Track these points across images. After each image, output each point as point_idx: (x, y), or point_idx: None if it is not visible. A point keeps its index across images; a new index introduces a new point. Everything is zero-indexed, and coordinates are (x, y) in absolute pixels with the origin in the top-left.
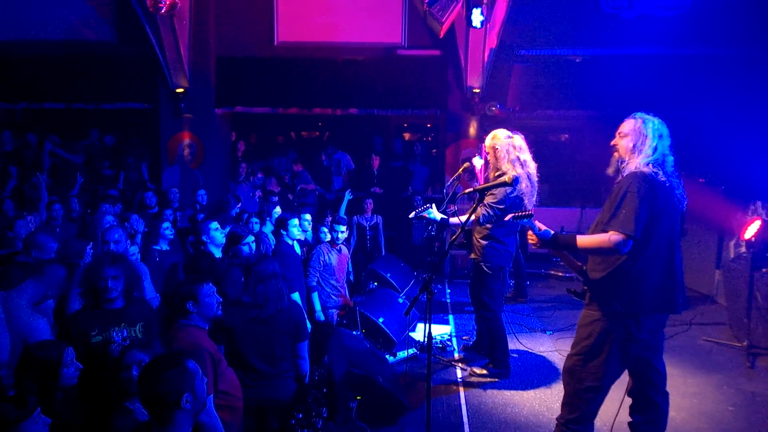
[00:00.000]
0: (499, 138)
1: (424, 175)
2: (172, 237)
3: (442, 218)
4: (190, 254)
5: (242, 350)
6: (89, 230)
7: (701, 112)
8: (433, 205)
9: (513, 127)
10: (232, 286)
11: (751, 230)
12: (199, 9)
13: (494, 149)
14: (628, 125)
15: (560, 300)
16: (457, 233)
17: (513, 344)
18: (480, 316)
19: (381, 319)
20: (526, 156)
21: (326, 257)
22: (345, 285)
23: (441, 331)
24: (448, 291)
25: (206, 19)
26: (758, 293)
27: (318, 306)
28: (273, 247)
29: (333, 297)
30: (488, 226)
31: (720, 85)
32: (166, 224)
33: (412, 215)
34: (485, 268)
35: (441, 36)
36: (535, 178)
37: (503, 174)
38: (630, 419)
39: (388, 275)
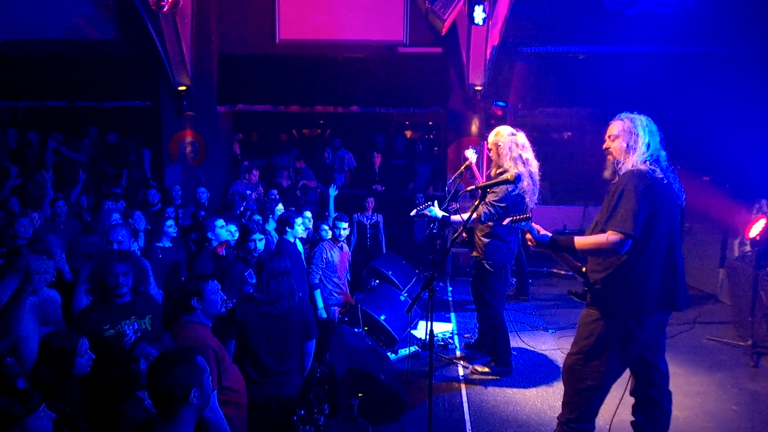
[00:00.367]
0: (502, 135)
1: (426, 173)
2: (175, 234)
3: (443, 216)
4: (192, 251)
5: (253, 346)
6: (93, 227)
7: (705, 110)
8: (435, 203)
9: (515, 125)
10: (231, 281)
11: (756, 229)
12: (201, 7)
13: (497, 146)
14: (616, 127)
15: (562, 298)
16: (459, 231)
17: (515, 342)
18: (482, 314)
19: (383, 317)
20: (529, 154)
21: (328, 255)
22: (346, 282)
23: (443, 328)
24: (450, 289)
25: (208, 17)
26: (762, 292)
27: (320, 303)
28: (275, 244)
29: (335, 294)
30: (490, 224)
31: (723, 83)
32: (169, 222)
33: (413, 213)
34: (487, 266)
35: (443, 33)
36: (537, 177)
37: (505, 171)
38: (633, 419)
39: (390, 273)
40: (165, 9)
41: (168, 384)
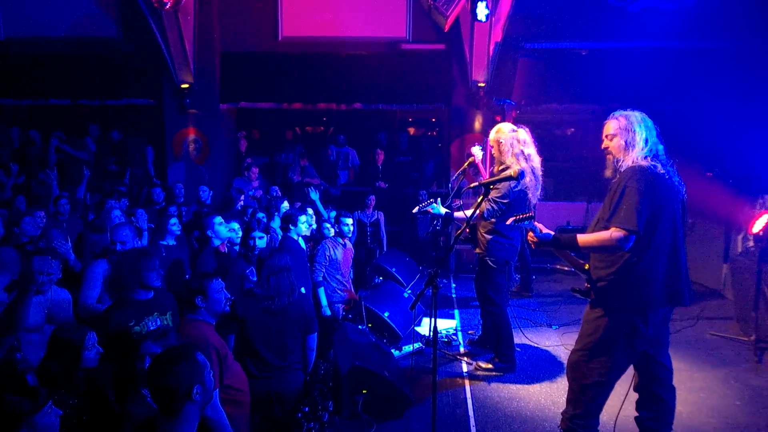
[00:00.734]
0: (503, 132)
1: (430, 170)
2: (179, 232)
3: (446, 212)
4: (195, 249)
5: (253, 341)
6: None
7: (708, 105)
8: (438, 200)
9: (519, 121)
10: (232, 278)
11: (759, 224)
12: (204, 4)
13: (498, 143)
14: (612, 126)
15: (566, 295)
16: (462, 228)
17: (519, 339)
18: (485, 310)
19: (386, 314)
20: (531, 150)
21: (331, 252)
22: (350, 279)
23: (446, 325)
24: (454, 285)
25: (210, 14)
26: (766, 287)
27: (324, 301)
28: (278, 241)
29: (338, 291)
30: (492, 220)
31: (726, 78)
32: (173, 220)
33: (415, 210)
34: (490, 263)
35: (446, 30)
36: (539, 172)
37: (507, 168)
38: (637, 414)
39: (394, 270)
40: (167, 6)
41: (170, 382)
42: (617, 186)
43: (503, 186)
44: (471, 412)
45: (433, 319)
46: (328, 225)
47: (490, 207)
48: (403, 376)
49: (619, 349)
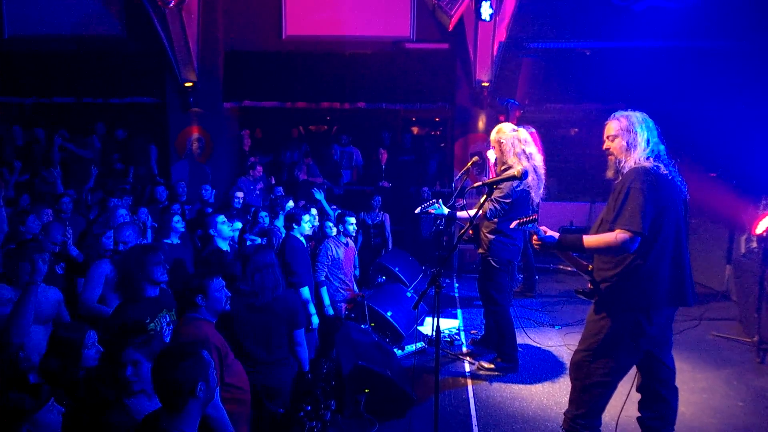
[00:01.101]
0: (504, 132)
1: (432, 170)
2: (182, 230)
3: (449, 212)
4: (198, 248)
5: (239, 337)
6: (102, 224)
7: (712, 105)
8: (440, 200)
9: (522, 121)
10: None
11: (763, 225)
12: (207, 3)
13: (499, 143)
14: (613, 126)
15: (569, 295)
16: (466, 228)
17: (521, 339)
18: (488, 310)
19: (389, 313)
20: (532, 149)
21: (334, 252)
22: (353, 279)
23: (449, 325)
24: (457, 285)
25: (214, 13)
26: None
27: (327, 300)
28: (281, 240)
29: (341, 291)
30: (495, 220)
31: (731, 78)
32: (176, 218)
33: (418, 210)
34: (493, 263)
35: (450, 29)
36: (541, 171)
37: (509, 168)
38: (639, 414)
39: (397, 269)
40: (171, 5)
41: (175, 378)
42: (621, 187)
43: (506, 186)
44: (473, 412)
45: (435, 319)
46: (331, 224)
47: (492, 207)
48: (406, 375)
49: (623, 349)
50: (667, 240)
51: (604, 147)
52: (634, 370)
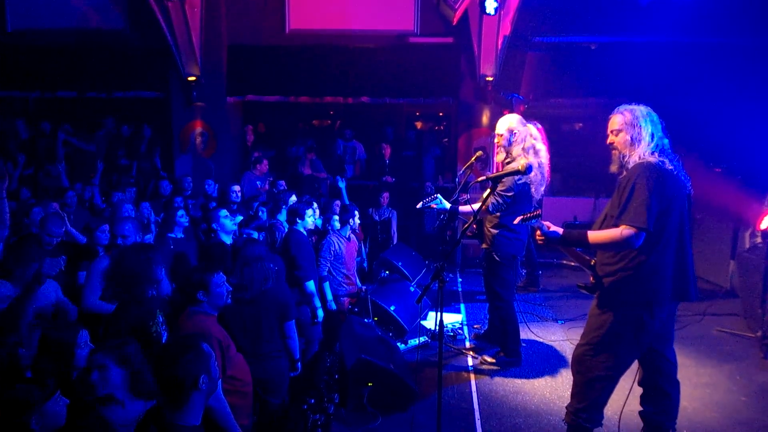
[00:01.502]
0: (515, 123)
1: (430, 164)
2: (186, 224)
3: (451, 207)
4: (202, 242)
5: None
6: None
7: (718, 101)
8: (439, 195)
9: (526, 116)
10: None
11: (767, 220)
12: None
13: (511, 132)
14: (617, 121)
15: (572, 289)
16: (469, 222)
17: (524, 333)
18: (492, 305)
19: (392, 307)
20: (541, 145)
21: (337, 247)
22: (356, 273)
23: (452, 319)
24: (460, 280)
25: (218, 7)
26: None
27: (330, 295)
28: (284, 234)
29: (344, 285)
30: (498, 214)
31: (737, 74)
32: (181, 212)
33: (419, 205)
34: (496, 258)
35: (454, 23)
36: (546, 168)
37: (513, 161)
38: (641, 408)
39: (400, 264)
40: None
41: (177, 372)
42: (626, 182)
43: (508, 180)
44: (476, 406)
45: (438, 313)
46: (336, 217)
47: (495, 201)
48: (409, 369)
49: (625, 343)
50: (671, 235)
51: (608, 141)
52: (635, 364)
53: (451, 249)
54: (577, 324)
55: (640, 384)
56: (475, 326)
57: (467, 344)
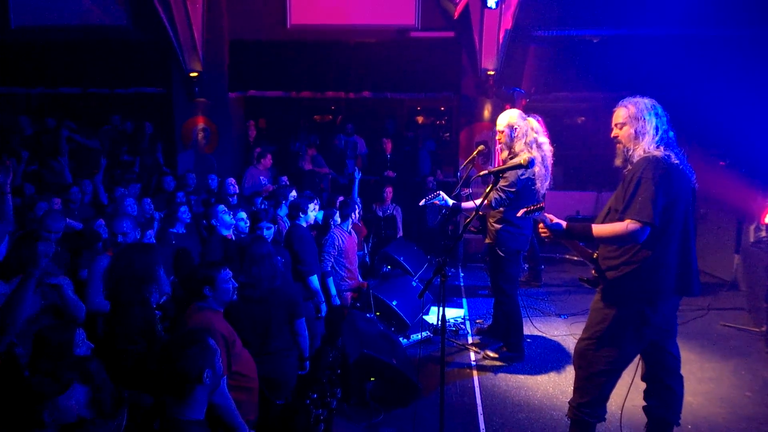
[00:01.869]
0: (516, 118)
1: (425, 159)
2: (188, 220)
3: (453, 203)
4: (204, 237)
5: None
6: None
7: (723, 94)
8: (441, 192)
9: (528, 110)
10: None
11: None
12: None
13: (512, 128)
14: (621, 114)
15: (575, 284)
16: (471, 217)
17: (527, 328)
18: (497, 300)
19: (394, 302)
20: (543, 138)
21: (340, 242)
22: (357, 268)
23: (454, 314)
24: (462, 275)
25: (219, 2)
26: None
27: (333, 290)
28: (287, 230)
29: (346, 280)
30: (501, 209)
31: (741, 66)
32: (183, 208)
33: (422, 202)
34: (500, 253)
35: (455, 17)
36: (549, 161)
37: (516, 155)
38: (645, 403)
39: (402, 259)
40: None
41: (182, 366)
42: (631, 176)
43: (511, 174)
44: (479, 401)
45: (441, 308)
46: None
47: (497, 196)
48: (411, 364)
49: (628, 337)
50: (676, 230)
51: (612, 135)
52: (637, 358)
53: (453, 244)
54: (579, 319)
55: (643, 379)
56: (477, 321)
57: (470, 339)
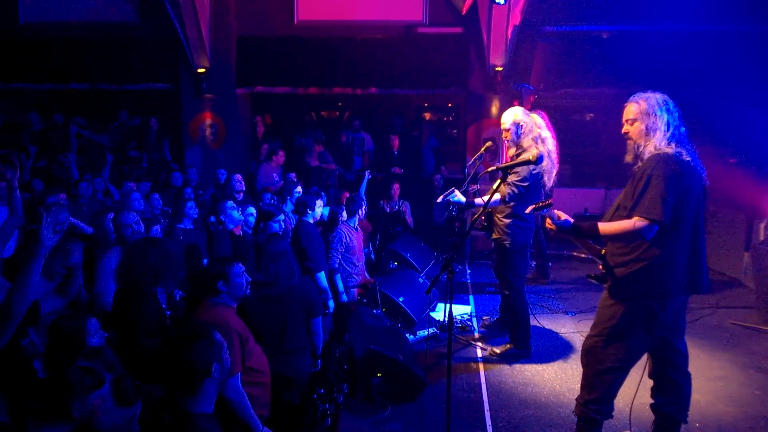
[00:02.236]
0: (520, 115)
1: (428, 156)
2: (195, 216)
3: (467, 201)
4: (211, 233)
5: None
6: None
7: (733, 91)
8: (455, 189)
9: (536, 107)
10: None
11: None
12: None
13: (518, 125)
14: (632, 110)
15: (582, 281)
16: (479, 213)
17: (534, 325)
18: (504, 296)
19: (401, 299)
20: (547, 133)
21: (347, 239)
22: (363, 264)
23: (461, 311)
24: (469, 271)
25: None
26: None
27: (341, 287)
28: (294, 226)
29: (353, 276)
30: (512, 204)
31: (752, 62)
32: (190, 203)
33: (439, 200)
34: (509, 247)
35: (463, 13)
36: (554, 156)
37: (524, 151)
38: (652, 401)
39: (408, 255)
40: None
41: (190, 360)
42: (642, 173)
43: (523, 170)
44: (485, 397)
45: (448, 304)
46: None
47: (510, 191)
48: (418, 360)
49: (636, 335)
50: (686, 227)
51: (623, 131)
52: (646, 355)
53: (460, 240)
54: (587, 316)
55: (650, 376)
56: (483, 318)
57: (476, 335)
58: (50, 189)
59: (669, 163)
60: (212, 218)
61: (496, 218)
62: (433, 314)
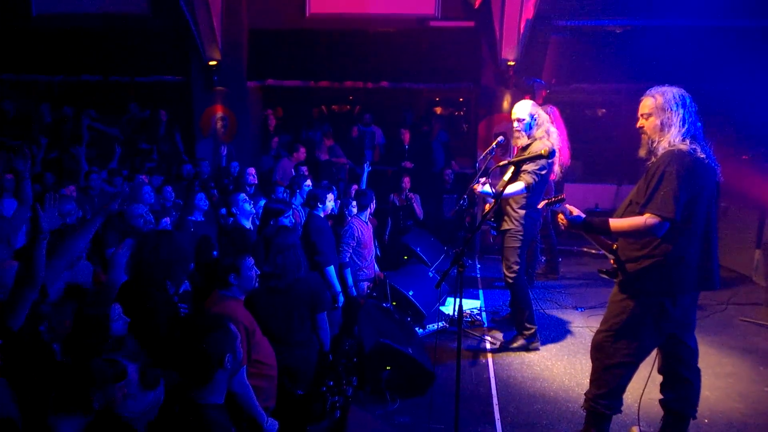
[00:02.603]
0: (536, 108)
1: (438, 150)
2: (206, 208)
3: (495, 192)
4: (222, 226)
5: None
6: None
7: (745, 86)
8: (488, 181)
9: (549, 101)
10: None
11: None
12: None
13: (532, 116)
14: (647, 105)
15: (592, 277)
16: (492, 205)
17: (543, 320)
18: (508, 284)
19: (411, 292)
20: (553, 128)
21: (359, 232)
22: (373, 258)
23: (471, 305)
24: (479, 266)
25: None
26: None
27: (351, 281)
28: (304, 220)
29: (364, 270)
30: (525, 194)
31: (765, 57)
32: (200, 195)
33: (479, 188)
34: (519, 237)
35: (476, 6)
36: (558, 150)
37: (535, 141)
38: (661, 396)
39: (418, 249)
40: None
41: (204, 349)
42: (655, 170)
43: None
44: (494, 391)
45: (458, 298)
46: (354, 201)
47: (532, 179)
48: (427, 354)
49: (646, 330)
50: (698, 224)
51: (638, 125)
52: (655, 350)
53: (471, 234)
54: (596, 312)
55: (659, 371)
56: (493, 312)
57: (486, 330)
58: (61, 181)
59: (683, 160)
60: (223, 210)
61: (509, 208)
62: (442, 308)
